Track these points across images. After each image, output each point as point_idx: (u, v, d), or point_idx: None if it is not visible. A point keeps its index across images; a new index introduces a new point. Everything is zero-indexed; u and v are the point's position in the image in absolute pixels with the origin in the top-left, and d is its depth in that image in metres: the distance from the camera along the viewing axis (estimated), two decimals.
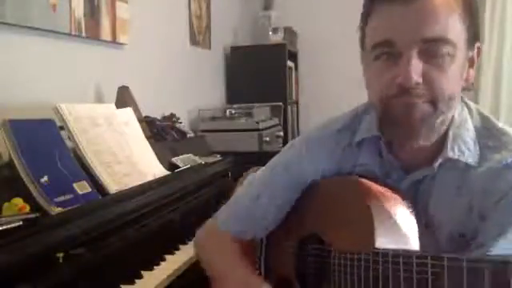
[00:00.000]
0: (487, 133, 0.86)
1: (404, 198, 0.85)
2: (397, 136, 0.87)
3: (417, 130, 0.81)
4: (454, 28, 0.78)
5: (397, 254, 0.73)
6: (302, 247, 0.98)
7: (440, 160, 0.84)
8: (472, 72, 0.84)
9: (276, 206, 1.00)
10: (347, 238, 0.84)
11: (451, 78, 0.79)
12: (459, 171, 0.84)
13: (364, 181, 0.87)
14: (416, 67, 0.77)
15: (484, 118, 0.88)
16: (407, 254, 0.72)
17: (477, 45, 0.83)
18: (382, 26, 0.80)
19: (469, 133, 0.86)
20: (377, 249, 0.76)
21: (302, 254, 0.98)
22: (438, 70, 0.78)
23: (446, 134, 0.85)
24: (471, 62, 0.84)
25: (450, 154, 0.84)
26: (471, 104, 0.90)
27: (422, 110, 0.79)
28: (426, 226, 0.85)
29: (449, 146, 0.84)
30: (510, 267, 0.64)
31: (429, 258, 0.69)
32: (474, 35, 0.81)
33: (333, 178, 0.96)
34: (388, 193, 0.86)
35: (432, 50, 0.77)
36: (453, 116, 0.86)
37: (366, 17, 0.84)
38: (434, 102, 0.79)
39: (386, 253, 0.74)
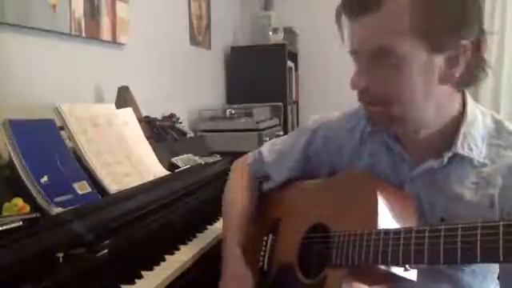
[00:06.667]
0: (499, 134, 0.90)
1: (408, 194, 0.90)
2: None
3: (386, 126, 0.93)
4: (398, 39, 0.81)
5: (397, 231, 0.78)
6: (307, 236, 1.02)
7: (449, 154, 0.88)
8: (451, 72, 0.84)
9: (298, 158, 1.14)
10: (351, 225, 0.88)
11: (403, 83, 0.83)
12: (473, 167, 0.88)
13: (370, 175, 0.94)
14: (361, 73, 0.86)
15: (497, 122, 0.92)
16: (407, 230, 0.77)
17: (458, 44, 0.82)
18: (348, 37, 0.89)
19: (479, 132, 0.89)
20: (378, 229, 0.81)
21: (307, 242, 1.02)
22: (385, 76, 0.84)
23: (455, 129, 0.89)
24: (451, 62, 0.83)
25: (460, 151, 0.88)
26: (486, 109, 0.94)
27: (379, 114, 0.89)
28: (442, 219, 0.87)
29: (459, 143, 0.88)
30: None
31: (427, 230, 0.74)
32: (441, 39, 0.81)
33: (343, 173, 1.02)
34: (393, 188, 0.91)
35: (378, 59, 0.83)
36: (463, 114, 0.90)
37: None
38: (386, 105, 0.86)
39: (387, 231, 0.79)
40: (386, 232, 0.79)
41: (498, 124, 0.91)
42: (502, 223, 0.65)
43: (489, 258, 0.66)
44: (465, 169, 0.89)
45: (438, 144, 0.90)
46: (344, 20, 0.88)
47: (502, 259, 0.64)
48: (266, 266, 1.10)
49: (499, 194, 0.86)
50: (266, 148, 1.23)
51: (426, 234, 0.73)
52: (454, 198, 0.89)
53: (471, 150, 0.88)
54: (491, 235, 0.65)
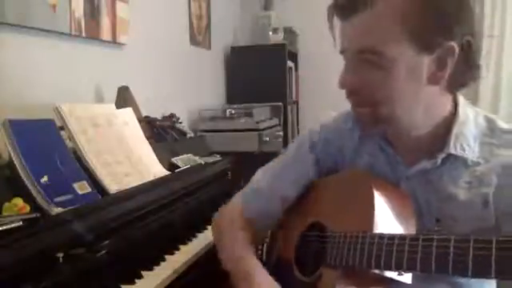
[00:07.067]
0: (491, 133, 0.89)
1: (406, 194, 0.90)
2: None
3: (371, 127, 0.92)
4: (386, 40, 0.81)
5: (392, 237, 0.78)
6: (305, 233, 1.03)
7: (442, 155, 0.88)
8: (440, 73, 0.84)
9: (296, 181, 1.07)
10: (347, 223, 0.88)
11: (390, 83, 0.83)
12: (468, 168, 0.88)
13: (370, 174, 0.94)
14: (351, 72, 0.86)
15: (489, 120, 0.91)
16: (402, 236, 0.77)
17: (447, 45, 0.81)
18: (338, 37, 0.90)
19: (471, 131, 0.89)
20: (373, 233, 0.81)
21: (304, 239, 1.03)
22: (378, 76, 0.83)
23: (447, 130, 0.89)
24: (439, 63, 0.83)
25: (452, 151, 0.88)
26: (478, 109, 0.94)
27: (364, 112, 0.88)
28: (437, 221, 0.87)
29: (451, 144, 0.88)
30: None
31: (420, 239, 0.73)
32: (430, 40, 0.81)
33: (340, 172, 1.02)
34: (391, 187, 0.91)
35: (366, 59, 0.83)
36: (455, 114, 0.89)
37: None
38: (377, 106, 0.86)
39: (382, 235, 0.79)
40: (381, 236, 0.79)
41: (490, 123, 0.91)
42: (495, 239, 0.65)
43: (480, 273, 0.65)
44: (458, 169, 0.88)
45: (429, 145, 0.90)
46: (336, 21, 0.88)
47: (493, 275, 0.64)
48: (264, 257, 1.11)
49: (494, 193, 0.85)
50: (258, 174, 1.15)
51: (420, 243, 0.73)
52: (447, 199, 0.88)
53: (464, 149, 0.88)
54: (483, 249, 0.65)
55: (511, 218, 0.83)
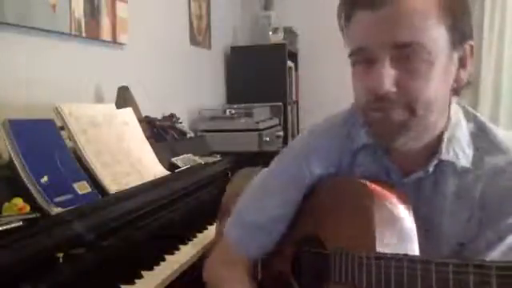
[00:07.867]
0: (482, 136, 0.85)
1: (405, 198, 0.85)
2: (380, 142, 0.87)
3: (395, 137, 0.81)
4: (429, 32, 0.75)
5: (400, 259, 0.72)
6: (302, 247, 0.99)
7: (435, 161, 0.84)
8: (463, 72, 0.81)
9: (284, 206, 0.99)
10: (348, 239, 0.84)
11: (430, 83, 0.76)
12: (457, 175, 0.84)
13: (367, 182, 0.86)
14: (387, 73, 0.76)
15: (480, 123, 0.87)
16: (410, 259, 0.72)
17: (468, 43, 0.80)
18: (356, 33, 0.80)
19: (464, 135, 0.85)
20: (379, 253, 0.76)
21: (301, 253, 0.99)
22: (413, 75, 0.76)
23: (440, 136, 0.84)
24: (462, 62, 0.81)
25: (445, 156, 0.83)
26: (468, 108, 0.90)
27: (397, 117, 0.78)
28: (426, 231, 0.84)
29: (444, 149, 0.83)
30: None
31: (433, 264, 0.68)
32: (460, 35, 0.78)
33: (336, 179, 0.95)
34: (390, 194, 0.85)
35: (405, 55, 0.75)
36: (448, 119, 0.85)
37: (342, 26, 0.83)
38: (410, 108, 0.77)
39: (390, 257, 0.74)
40: (398, 259, 0.74)
41: (480, 125, 0.87)
42: (495, 265, 0.62)
43: None
44: (449, 176, 0.85)
45: (425, 155, 0.86)
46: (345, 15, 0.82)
47: None
48: (259, 269, 1.08)
49: (477, 203, 0.82)
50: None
51: (451, 269, 0.68)
52: (436, 209, 0.85)
53: (457, 155, 0.83)
54: (483, 276, 0.62)
55: (493, 222, 0.80)
